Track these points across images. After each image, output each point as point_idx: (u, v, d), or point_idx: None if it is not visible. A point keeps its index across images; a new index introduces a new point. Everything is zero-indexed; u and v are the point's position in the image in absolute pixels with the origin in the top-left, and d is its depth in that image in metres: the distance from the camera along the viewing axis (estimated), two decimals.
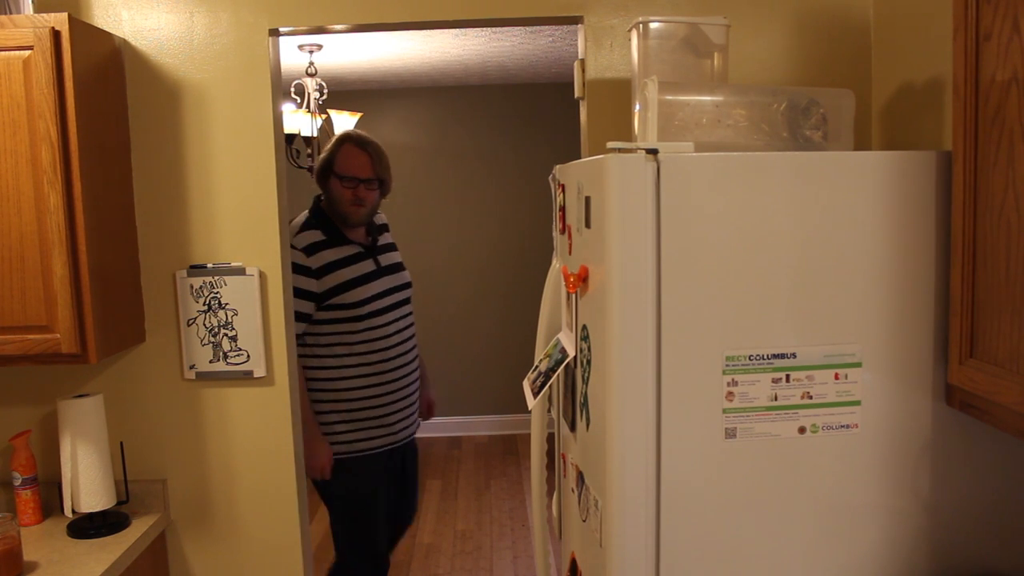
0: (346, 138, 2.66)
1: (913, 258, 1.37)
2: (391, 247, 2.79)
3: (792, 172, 1.35)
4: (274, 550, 2.29)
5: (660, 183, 1.31)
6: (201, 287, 2.21)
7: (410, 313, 2.77)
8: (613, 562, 1.36)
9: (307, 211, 2.69)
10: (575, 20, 2.13)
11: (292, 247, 2.50)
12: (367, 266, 2.63)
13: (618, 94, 2.09)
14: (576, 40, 2.53)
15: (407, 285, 2.77)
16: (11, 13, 1.98)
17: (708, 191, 1.33)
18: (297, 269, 2.50)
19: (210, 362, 2.23)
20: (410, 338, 2.74)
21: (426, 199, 5.77)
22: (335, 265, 2.56)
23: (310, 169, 4.59)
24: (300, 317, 2.53)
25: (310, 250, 2.55)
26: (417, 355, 2.82)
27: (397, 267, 2.76)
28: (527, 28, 3.95)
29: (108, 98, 2.08)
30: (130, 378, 2.25)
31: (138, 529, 2.14)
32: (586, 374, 1.48)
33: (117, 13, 2.16)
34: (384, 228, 2.83)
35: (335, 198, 2.61)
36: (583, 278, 1.48)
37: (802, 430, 1.37)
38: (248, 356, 2.23)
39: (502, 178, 5.79)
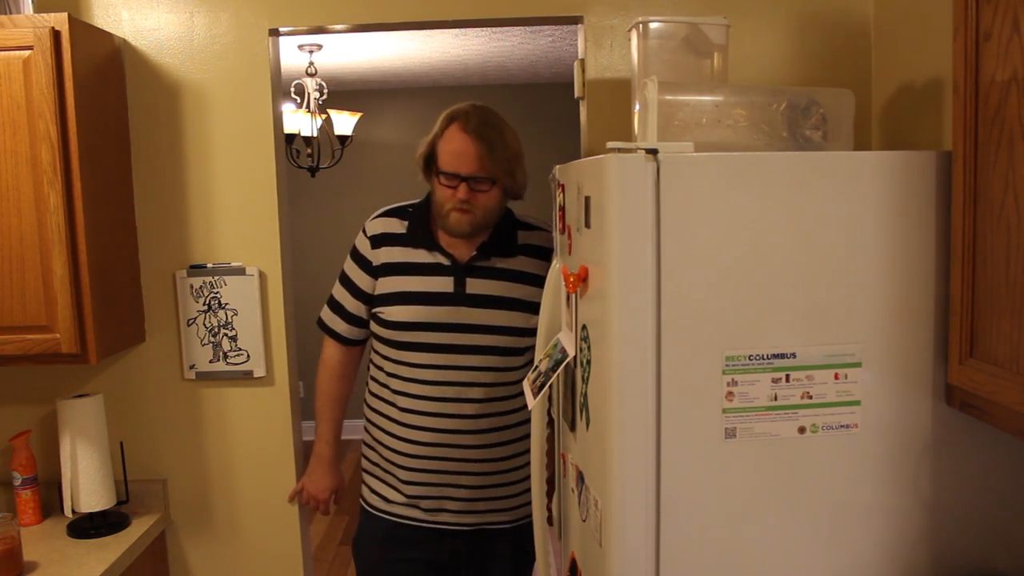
0: (454, 115, 1.91)
1: (913, 258, 1.37)
2: (510, 275, 1.97)
3: (792, 172, 1.35)
4: (274, 550, 2.29)
5: (660, 183, 1.31)
6: (201, 287, 2.21)
7: (492, 368, 1.96)
8: (613, 562, 1.36)
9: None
10: (575, 20, 2.13)
11: (362, 230, 2.04)
12: (441, 284, 1.95)
13: (618, 94, 2.09)
14: (576, 40, 2.53)
15: (504, 330, 1.96)
16: (11, 13, 1.99)
17: (708, 191, 1.33)
18: (356, 258, 2.03)
19: (210, 362, 2.23)
20: (479, 400, 1.96)
21: None
22: (396, 268, 1.98)
23: (310, 169, 4.60)
24: (352, 319, 2.06)
25: (377, 241, 2.00)
26: (500, 427, 2.00)
27: (497, 302, 1.96)
28: (527, 28, 3.96)
29: (108, 98, 2.09)
30: (130, 378, 2.25)
31: (138, 529, 2.14)
32: (586, 374, 1.48)
33: (117, 13, 2.16)
34: (523, 250, 2.00)
35: (436, 198, 1.94)
36: (583, 278, 1.48)
37: (802, 430, 1.37)
38: (248, 356, 2.23)
39: None
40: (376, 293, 2.00)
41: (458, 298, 1.95)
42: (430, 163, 1.95)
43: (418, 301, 1.96)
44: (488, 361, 1.96)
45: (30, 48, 1.85)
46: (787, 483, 1.38)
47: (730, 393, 1.35)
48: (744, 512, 1.38)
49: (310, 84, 4.27)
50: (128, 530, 2.14)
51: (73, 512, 2.12)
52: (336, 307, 2.08)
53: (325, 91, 4.39)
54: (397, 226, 2.01)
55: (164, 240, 2.21)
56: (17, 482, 2.17)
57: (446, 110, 1.95)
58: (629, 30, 1.69)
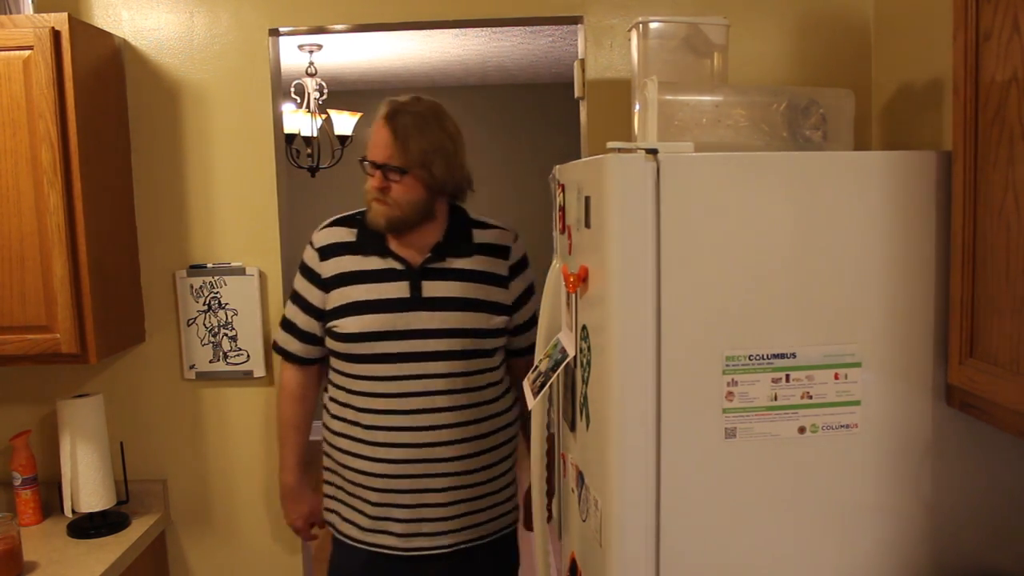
0: (384, 106, 1.88)
1: (913, 258, 1.37)
2: (468, 275, 1.90)
3: (792, 172, 1.35)
4: (274, 550, 2.29)
5: (660, 183, 1.31)
6: (201, 287, 2.21)
7: (459, 373, 1.89)
8: (613, 562, 1.36)
9: None
10: (575, 20, 2.13)
11: (309, 243, 1.96)
12: (395, 290, 1.87)
13: (618, 94, 2.09)
14: (576, 40, 2.53)
15: (465, 332, 1.88)
16: (11, 13, 1.99)
17: (708, 191, 1.33)
18: (305, 272, 1.95)
19: (210, 362, 2.23)
20: (449, 408, 1.87)
21: None
22: (347, 278, 1.90)
23: (310, 169, 4.60)
24: (305, 337, 1.97)
25: (326, 252, 1.93)
26: (474, 436, 1.91)
27: (455, 304, 1.88)
28: (527, 28, 3.96)
29: (108, 98, 2.09)
30: (130, 378, 2.25)
31: (138, 529, 2.14)
32: (586, 374, 1.48)
33: (117, 13, 2.16)
34: (480, 249, 1.93)
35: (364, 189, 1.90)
36: (583, 278, 1.48)
37: (802, 430, 1.37)
38: (248, 356, 2.23)
39: (501, 178, 5.79)
40: (328, 307, 1.91)
41: (414, 303, 1.87)
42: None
43: (372, 310, 1.87)
44: (454, 367, 1.88)
45: (30, 48, 1.85)
46: (787, 483, 1.38)
47: (730, 393, 1.35)
48: (744, 512, 1.38)
49: (310, 84, 4.27)
50: (128, 530, 2.14)
51: (73, 512, 2.12)
52: (288, 326, 1.99)
53: (325, 91, 4.39)
54: (346, 235, 1.93)
55: (164, 240, 2.21)
56: (17, 482, 2.17)
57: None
58: (629, 30, 1.69)
